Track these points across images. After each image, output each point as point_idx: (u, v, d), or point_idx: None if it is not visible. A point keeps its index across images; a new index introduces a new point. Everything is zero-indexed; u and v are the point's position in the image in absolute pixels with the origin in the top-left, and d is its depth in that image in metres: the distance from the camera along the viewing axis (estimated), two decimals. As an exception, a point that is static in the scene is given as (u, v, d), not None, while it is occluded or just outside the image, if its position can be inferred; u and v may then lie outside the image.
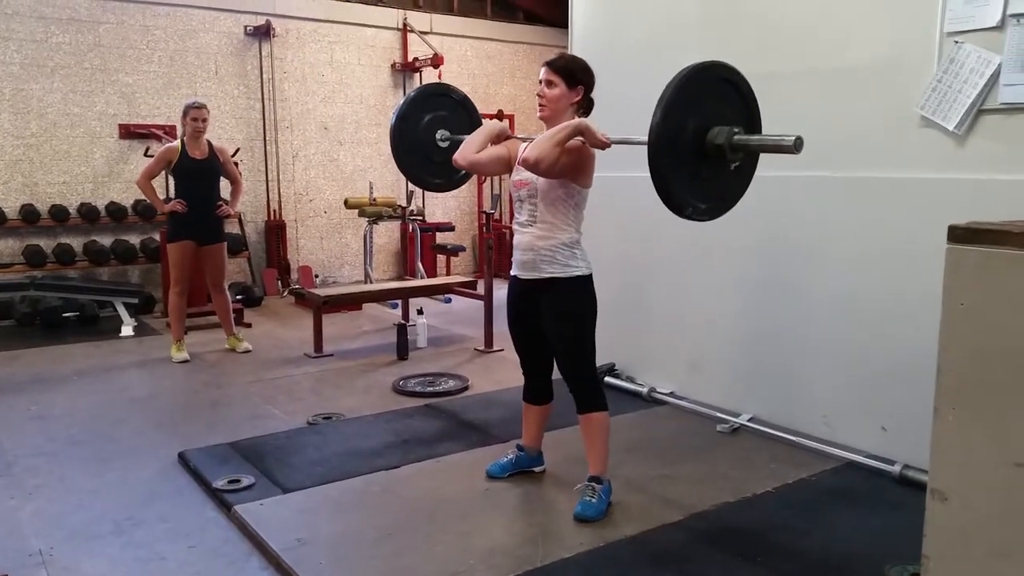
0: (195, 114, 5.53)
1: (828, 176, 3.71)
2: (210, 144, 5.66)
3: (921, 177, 3.36)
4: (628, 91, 4.70)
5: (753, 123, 2.72)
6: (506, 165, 3.21)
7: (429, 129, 3.62)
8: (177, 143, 5.60)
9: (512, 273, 3.21)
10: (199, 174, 5.59)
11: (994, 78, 3.10)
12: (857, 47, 3.56)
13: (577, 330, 3.09)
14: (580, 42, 5.00)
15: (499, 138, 3.24)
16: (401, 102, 3.66)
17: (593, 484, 3.11)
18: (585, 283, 3.07)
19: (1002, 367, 1.71)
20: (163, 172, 5.76)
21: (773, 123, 3.90)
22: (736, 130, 2.56)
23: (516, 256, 3.15)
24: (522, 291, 3.16)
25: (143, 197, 6.17)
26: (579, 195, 3.03)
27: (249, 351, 5.91)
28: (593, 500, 3.06)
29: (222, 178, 5.75)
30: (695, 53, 4.25)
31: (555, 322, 3.10)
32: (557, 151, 2.83)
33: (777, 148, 2.54)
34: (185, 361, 5.59)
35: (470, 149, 3.16)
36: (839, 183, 3.67)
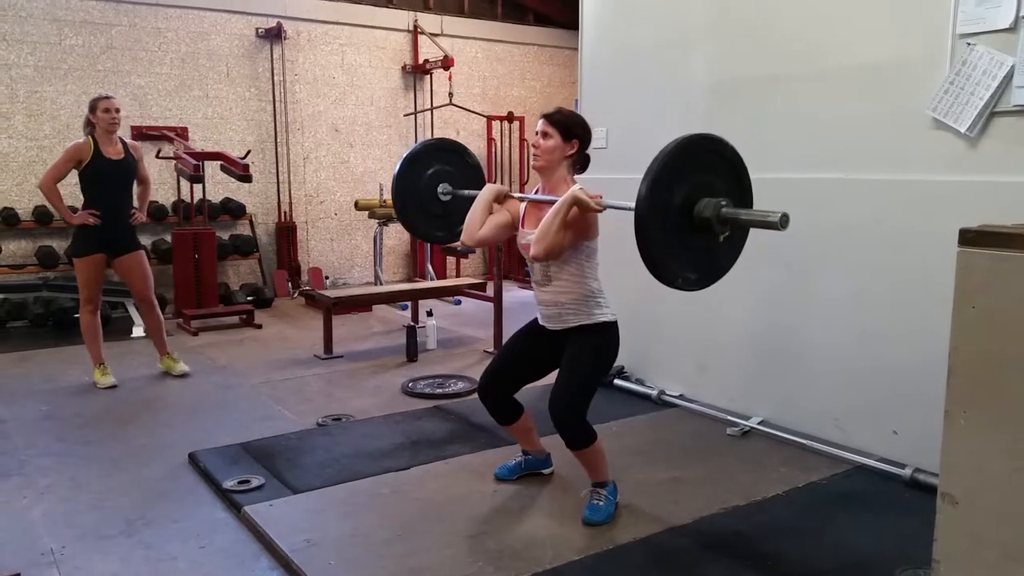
0: (106, 105, 4.81)
1: (839, 178, 3.70)
2: (123, 142, 4.98)
3: (932, 179, 3.34)
4: (638, 92, 4.72)
5: (744, 195, 2.70)
6: (511, 229, 3.20)
7: (431, 182, 3.65)
8: (87, 140, 4.84)
9: (539, 322, 3.20)
10: (114, 177, 4.90)
11: (1007, 80, 3.08)
12: (868, 49, 3.55)
13: (587, 369, 3.03)
14: (590, 43, 5.01)
15: (498, 199, 3.24)
16: (403, 157, 3.67)
17: (598, 489, 3.10)
18: (610, 328, 3.07)
19: (1014, 370, 1.70)
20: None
21: (783, 127, 3.91)
22: (724, 203, 2.54)
23: (540, 311, 3.16)
24: (546, 334, 3.15)
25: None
26: (589, 248, 3.02)
27: (186, 374, 5.28)
28: (601, 504, 3.06)
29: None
30: (705, 54, 4.28)
31: (573, 353, 3.05)
32: (561, 235, 2.86)
33: (763, 224, 2.51)
34: (113, 386, 4.97)
35: (474, 227, 3.18)
36: (849, 185, 3.66)
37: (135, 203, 5.12)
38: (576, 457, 3.11)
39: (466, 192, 3.53)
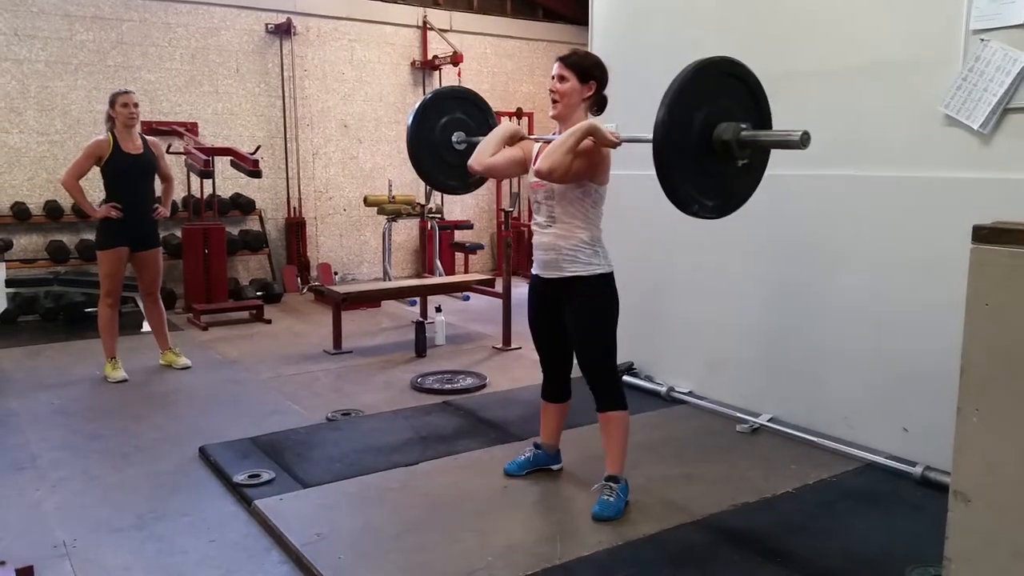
0: (125, 100, 4.90)
1: (851, 175, 3.68)
2: (143, 137, 5.10)
3: (945, 176, 3.32)
4: (648, 87, 4.69)
5: (763, 121, 2.69)
6: (522, 167, 3.21)
7: (445, 131, 3.62)
8: (107, 136, 4.95)
9: (533, 272, 3.21)
10: (134, 171, 4.99)
11: (1020, 76, 3.06)
12: (881, 45, 3.53)
13: (599, 326, 3.09)
14: (600, 39, 5.00)
15: (513, 140, 3.23)
16: (417, 103, 3.66)
17: (610, 484, 3.11)
18: (607, 280, 3.07)
19: (1027, 368, 1.69)
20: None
21: (795, 122, 3.88)
22: (744, 126, 2.53)
23: (537, 256, 3.15)
24: (544, 290, 3.17)
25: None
26: (596, 193, 3.02)
27: (188, 367, 5.35)
28: (611, 499, 3.06)
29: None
30: (715, 50, 4.24)
31: (578, 318, 3.10)
32: (569, 158, 2.84)
33: (784, 143, 2.51)
34: (124, 380, 5.02)
35: (485, 153, 3.15)
36: (862, 182, 3.64)
37: (160, 198, 5.25)
38: (603, 428, 3.14)
39: (481, 139, 3.50)
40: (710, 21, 4.28)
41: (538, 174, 2.93)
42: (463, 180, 3.71)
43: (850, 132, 3.69)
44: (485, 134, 3.38)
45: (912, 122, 3.43)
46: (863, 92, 3.61)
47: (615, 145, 2.88)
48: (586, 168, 2.92)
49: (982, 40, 3.16)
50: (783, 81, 3.94)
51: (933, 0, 3.34)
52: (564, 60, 3.02)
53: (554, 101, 3.03)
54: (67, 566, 2.76)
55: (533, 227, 3.19)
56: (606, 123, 4.51)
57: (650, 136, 2.53)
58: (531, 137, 3.28)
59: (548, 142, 3.08)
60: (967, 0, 3.20)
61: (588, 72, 3.00)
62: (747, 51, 4.10)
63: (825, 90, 3.77)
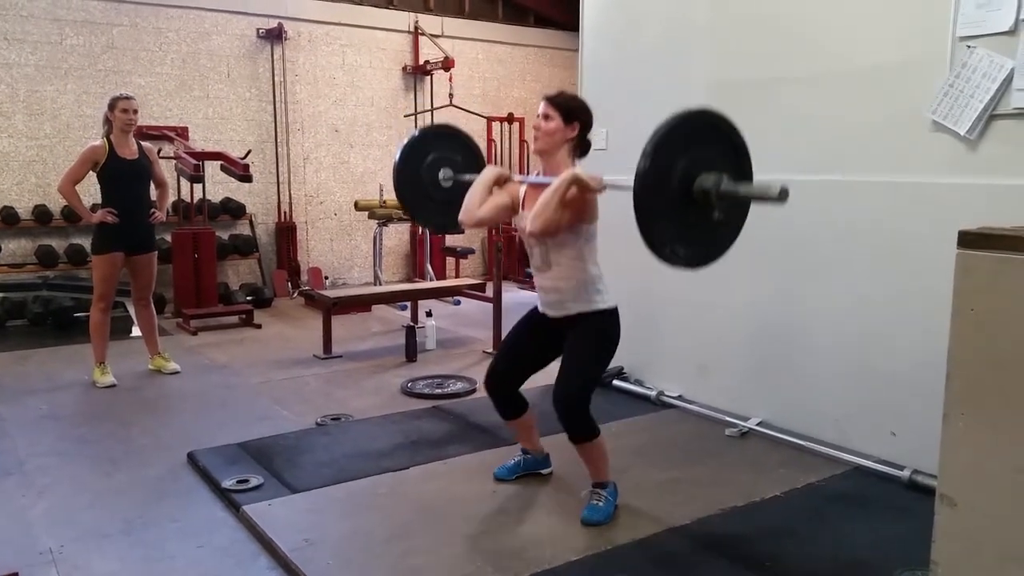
0: (125, 105, 4.90)
1: (838, 180, 3.70)
2: (138, 143, 5.11)
3: (932, 182, 3.34)
4: (637, 94, 4.72)
5: (744, 176, 2.69)
6: (509, 211, 3.19)
7: (432, 168, 3.62)
8: (102, 142, 4.94)
9: (539, 309, 3.20)
10: (129, 177, 4.99)
11: (1006, 83, 3.09)
12: (868, 51, 3.56)
13: (591, 359, 3.06)
14: (590, 45, 5.01)
15: (499, 182, 3.22)
16: (404, 141, 3.65)
17: (598, 490, 3.11)
18: (611, 316, 3.07)
19: (1012, 372, 1.71)
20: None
21: (783, 129, 3.92)
22: (724, 178, 2.54)
23: (540, 297, 3.16)
24: (547, 322, 3.16)
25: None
26: (588, 231, 3.02)
27: (177, 372, 5.33)
28: (600, 504, 3.06)
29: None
30: (705, 57, 4.28)
31: (576, 341, 3.07)
32: (559, 213, 2.85)
33: (763, 196, 2.52)
34: (112, 386, 4.99)
35: (473, 206, 3.14)
36: (849, 187, 3.66)
37: (155, 202, 5.26)
38: (579, 452, 3.11)
39: (468, 177, 3.49)
40: (699, 27, 4.30)
41: (532, 236, 2.95)
42: (453, 218, 3.70)
43: (838, 138, 3.71)
44: (472, 170, 3.39)
45: (899, 128, 3.46)
46: (850, 98, 3.63)
47: (598, 192, 2.89)
48: (575, 215, 2.93)
49: (968, 47, 3.19)
50: (772, 87, 3.97)
51: (920, 7, 3.37)
52: (551, 100, 3.03)
53: (536, 138, 3.04)
54: (53, 573, 2.74)
55: (531, 270, 3.19)
56: (597, 128, 4.53)
57: (631, 181, 2.54)
58: (516, 179, 3.26)
59: (534, 185, 3.09)
60: (953, 7, 3.23)
61: (573, 113, 3.01)
62: (736, 57, 4.16)
63: (813, 96, 3.79)
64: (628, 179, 2.50)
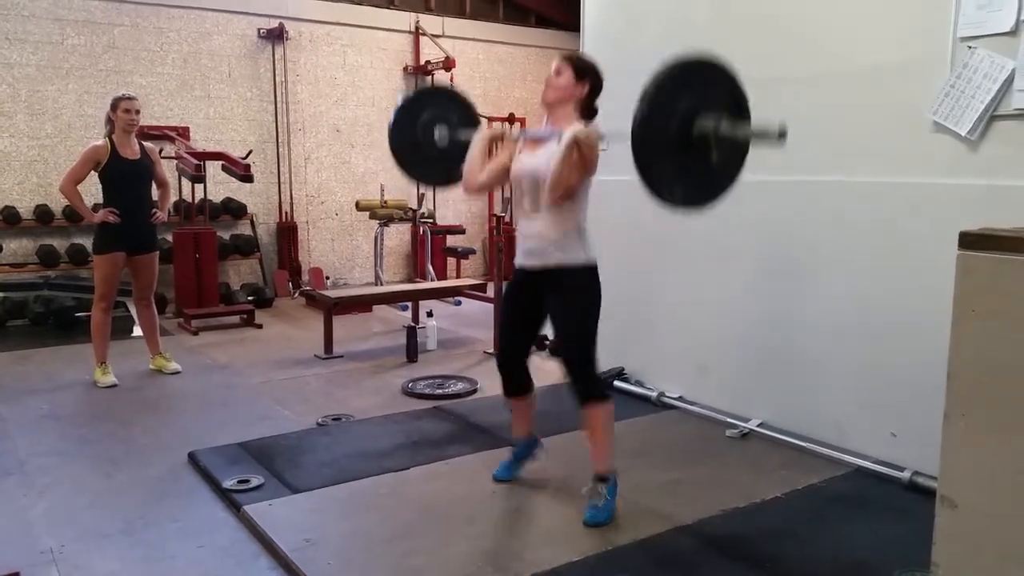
0: (127, 105, 4.91)
1: (840, 181, 3.70)
2: (140, 143, 5.12)
3: (933, 182, 3.34)
4: (639, 94, 4.71)
5: (744, 119, 2.73)
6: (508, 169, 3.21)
7: (427, 127, 3.60)
8: (104, 141, 4.95)
9: (517, 263, 3.19)
10: (131, 177, 5.00)
11: (1007, 83, 3.09)
12: (869, 52, 3.55)
13: (583, 317, 3.08)
14: (592, 45, 5.01)
15: (495, 141, 3.26)
16: (398, 102, 3.66)
17: (598, 485, 3.10)
18: (591, 272, 3.08)
19: (1013, 374, 1.70)
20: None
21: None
22: (723, 121, 2.57)
23: (522, 244, 3.15)
24: (528, 280, 3.16)
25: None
26: (583, 184, 3.04)
27: (178, 372, 5.34)
28: (600, 504, 3.06)
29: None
30: (707, 57, 4.27)
31: (562, 308, 3.10)
32: (576, 173, 2.90)
33: (761, 135, 2.58)
34: (113, 385, 5.00)
35: (473, 173, 3.19)
36: (851, 188, 3.66)
37: (157, 202, 5.28)
38: (588, 425, 3.13)
39: (464, 134, 3.48)
40: (700, 27, 4.30)
41: (555, 203, 2.95)
42: (446, 175, 3.69)
43: (839, 138, 3.71)
44: (468, 127, 3.42)
45: (900, 129, 3.45)
46: (852, 99, 3.63)
47: (601, 150, 2.93)
48: (584, 173, 2.97)
49: (969, 48, 3.19)
50: (772, 87, 3.95)
51: (921, 8, 3.37)
52: (565, 57, 3.09)
53: (547, 89, 3.08)
54: (54, 572, 2.75)
55: (516, 214, 3.18)
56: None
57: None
58: (513, 135, 3.26)
59: (532, 139, 3.12)
60: (954, 8, 3.22)
61: (584, 72, 3.06)
62: (738, 57, 4.13)
63: (814, 97, 3.78)
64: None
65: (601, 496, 3.08)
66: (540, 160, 3.01)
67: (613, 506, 3.09)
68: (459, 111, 3.66)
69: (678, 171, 2.63)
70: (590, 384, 3.09)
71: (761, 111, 4.07)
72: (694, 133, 2.57)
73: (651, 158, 2.53)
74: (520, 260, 3.18)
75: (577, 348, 3.09)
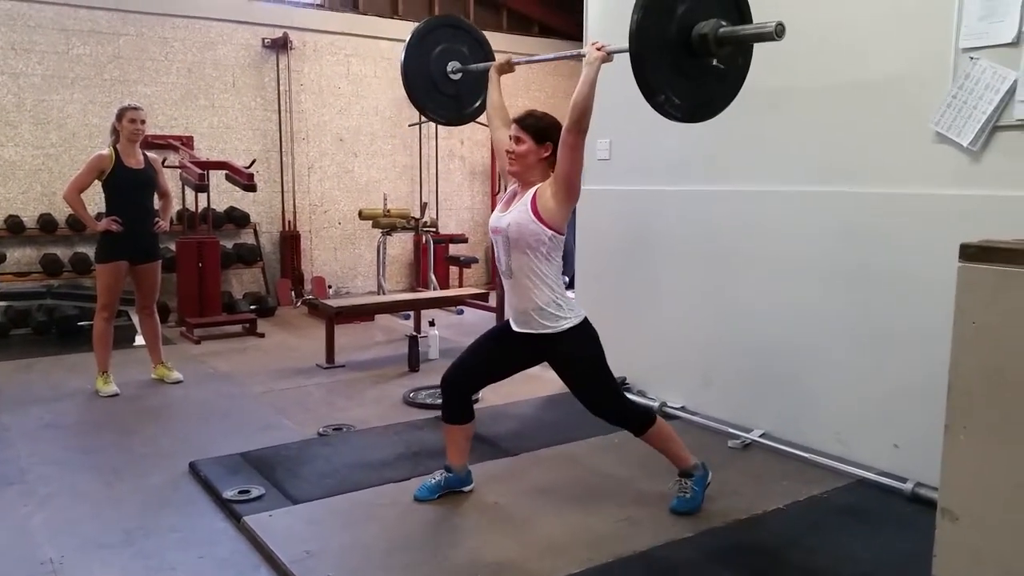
0: (133, 115, 4.94)
1: (841, 191, 3.70)
2: (143, 152, 5.15)
3: (935, 193, 3.34)
4: (642, 104, 4.71)
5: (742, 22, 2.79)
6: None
7: (440, 60, 3.59)
8: (109, 151, 4.98)
9: (507, 319, 3.22)
10: (135, 186, 5.03)
11: (1009, 94, 3.09)
12: (872, 63, 3.56)
13: (592, 379, 3.11)
14: (594, 56, 5.01)
15: (503, 71, 3.38)
16: (412, 32, 3.66)
17: (684, 481, 3.22)
18: (582, 329, 3.06)
19: (1014, 386, 1.70)
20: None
21: (787, 139, 3.92)
22: (723, 23, 2.60)
23: (507, 310, 3.19)
24: (516, 336, 3.14)
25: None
26: (551, 243, 2.98)
27: (180, 381, 5.34)
28: (687, 495, 3.21)
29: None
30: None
31: (571, 381, 3.12)
32: (592, 90, 2.86)
33: (759, 35, 2.62)
34: (115, 395, 5.00)
35: (495, 107, 3.33)
36: (852, 198, 3.66)
37: (159, 212, 5.30)
38: (652, 446, 3.22)
39: (475, 66, 3.45)
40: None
41: (570, 130, 2.85)
42: (458, 111, 3.72)
43: (841, 149, 3.71)
44: (480, 61, 3.53)
45: (902, 139, 3.45)
46: (854, 109, 3.63)
47: (606, 58, 2.92)
48: (564, 189, 2.93)
49: (971, 58, 3.19)
50: (775, 97, 3.97)
51: (923, 19, 3.37)
52: (520, 123, 3.04)
53: (511, 160, 3.06)
54: (54, 582, 2.75)
55: (501, 276, 3.19)
56: (599, 139, 4.54)
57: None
58: (520, 62, 3.38)
59: (509, 195, 3.15)
60: (956, 19, 3.23)
61: (544, 134, 3.03)
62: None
63: (816, 107, 3.79)
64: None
65: (688, 489, 3.21)
66: (511, 217, 3.00)
67: (701, 497, 3.22)
68: (469, 42, 3.71)
69: (677, 76, 2.64)
70: (632, 420, 3.16)
71: (764, 122, 4.10)
72: (693, 36, 2.58)
73: (650, 62, 2.57)
74: (509, 321, 3.19)
75: (604, 405, 3.14)
